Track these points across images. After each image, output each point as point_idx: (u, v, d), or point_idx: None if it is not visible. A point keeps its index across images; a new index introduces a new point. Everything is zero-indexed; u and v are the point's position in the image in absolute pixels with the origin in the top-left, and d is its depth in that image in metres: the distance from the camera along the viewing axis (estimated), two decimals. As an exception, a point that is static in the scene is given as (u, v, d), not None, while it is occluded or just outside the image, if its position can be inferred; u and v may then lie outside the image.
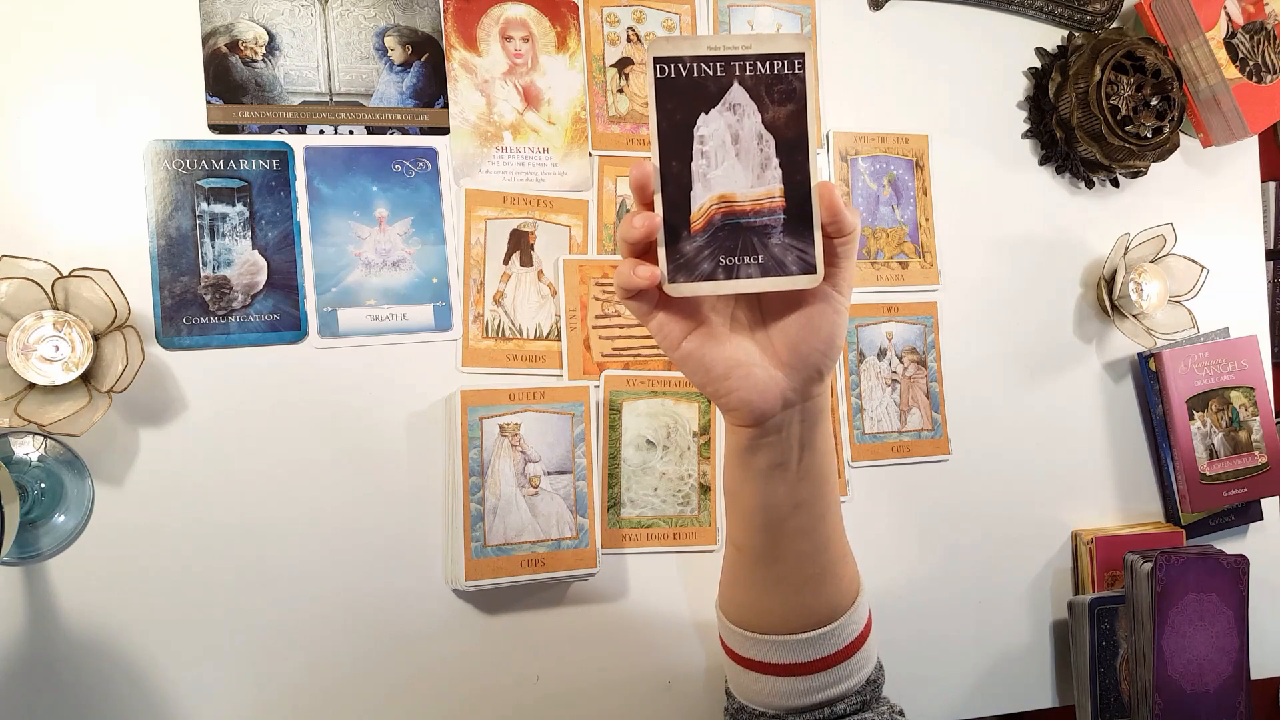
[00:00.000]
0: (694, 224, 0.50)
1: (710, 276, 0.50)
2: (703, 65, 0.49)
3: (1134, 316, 0.99)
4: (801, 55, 0.50)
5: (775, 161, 0.50)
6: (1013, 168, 1.00)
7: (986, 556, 0.95)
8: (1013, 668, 0.95)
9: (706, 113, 0.50)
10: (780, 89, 0.50)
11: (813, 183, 0.51)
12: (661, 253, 0.50)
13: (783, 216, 0.51)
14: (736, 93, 0.50)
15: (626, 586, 0.83)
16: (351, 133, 0.79)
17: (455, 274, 0.81)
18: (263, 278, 0.76)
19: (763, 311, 0.55)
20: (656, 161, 0.50)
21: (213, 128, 0.75)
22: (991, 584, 0.95)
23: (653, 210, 0.50)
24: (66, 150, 0.72)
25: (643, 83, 0.87)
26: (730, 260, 0.50)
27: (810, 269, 0.51)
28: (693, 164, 0.50)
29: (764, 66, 0.50)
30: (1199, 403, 1.00)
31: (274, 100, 0.77)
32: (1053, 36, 1.02)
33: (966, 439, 0.95)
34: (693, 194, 0.50)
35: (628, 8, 0.88)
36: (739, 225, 0.50)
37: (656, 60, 0.49)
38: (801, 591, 0.62)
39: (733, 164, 0.50)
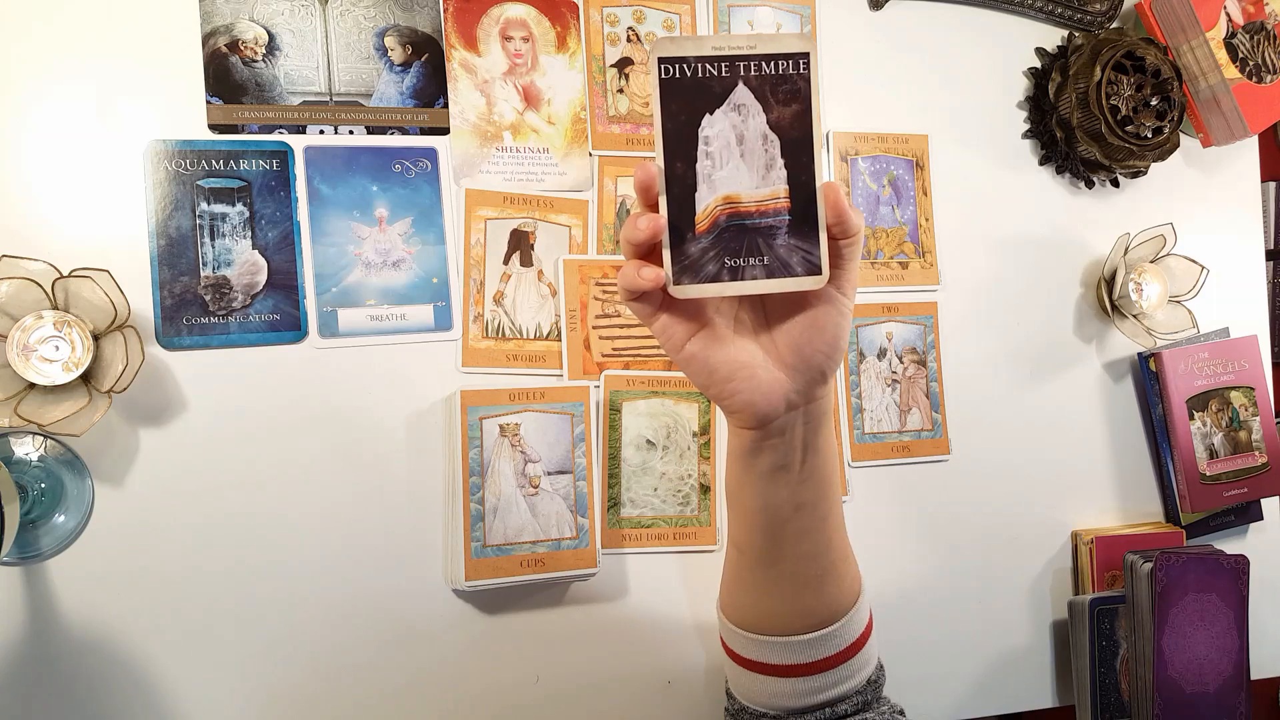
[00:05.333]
0: (699, 225, 0.50)
1: (715, 278, 0.50)
2: (707, 65, 0.49)
3: (1134, 316, 0.99)
4: (806, 55, 0.50)
5: (780, 162, 0.50)
6: (1013, 168, 1.00)
7: (986, 556, 0.95)
8: (1013, 668, 0.95)
9: (711, 113, 0.49)
10: (785, 89, 0.50)
11: (817, 183, 0.50)
12: (666, 254, 0.50)
13: (788, 217, 0.50)
14: (741, 93, 0.50)
15: (626, 586, 0.83)
16: (351, 133, 0.79)
17: (455, 274, 0.81)
18: (263, 278, 0.76)
19: (766, 313, 0.55)
20: (661, 162, 0.49)
21: (213, 128, 0.75)
22: (991, 584, 0.95)
23: (657, 211, 0.50)
24: (66, 150, 0.72)
25: (643, 83, 0.87)
26: (735, 261, 0.50)
27: (815, 270, 0.51)
28: (697, 165, 0.50)
29: (768, 66, 0.50)
30: (1199, 403, 1.00)
31: (274, 100, 0.77)
32: (1053, 36, 1.02)
33: (966, 439, 0.95)
34: (697, 195, 0.50)
35: (628, 8, 0.88)
36: (744, 226, 0.50)
37: (661, 61, 0.49)
38: (803, 593, 0.62)
39: (738, 165, 0.50)
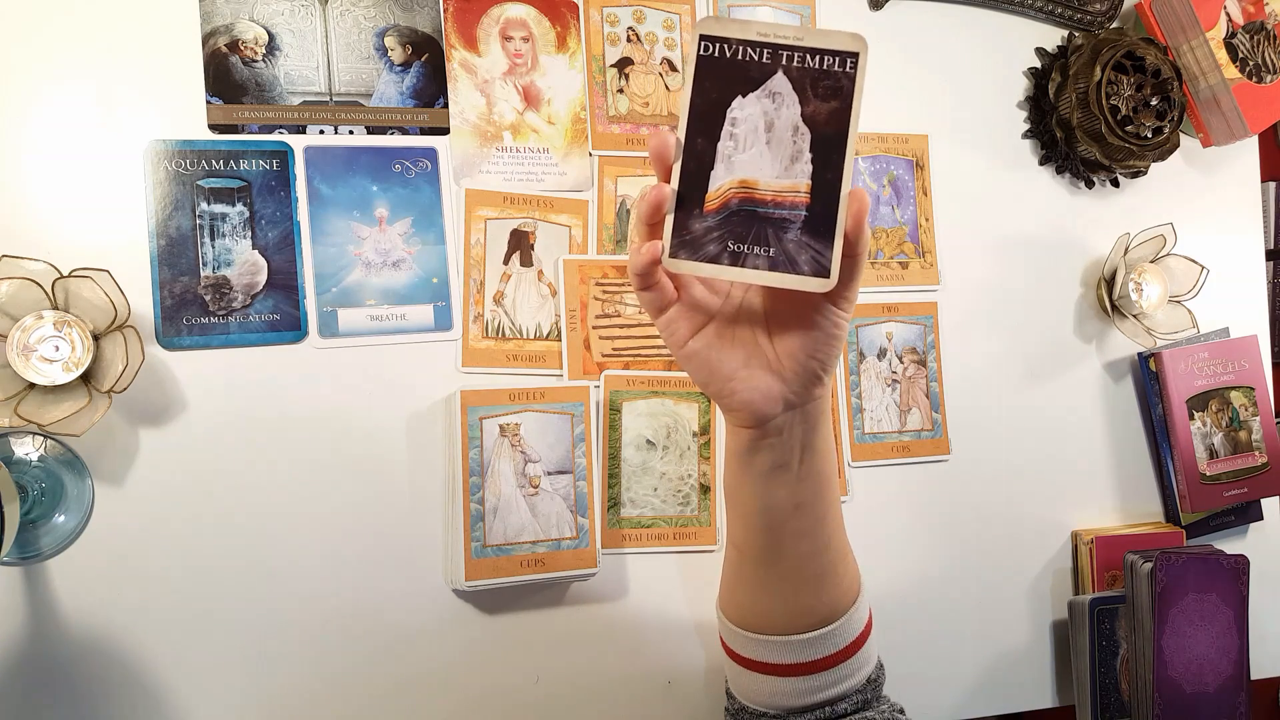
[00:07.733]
0: (709, 203, 0.49)
1: (714, 259, 0.49)
2: (749, 50, 0.48)
3: (1134, 316, 0.99)
4: (855, 55, 0.49)
5: (808, 156, 0.49)
6: (1013, 168, 1.00)
7: (986, 556, 0.95)
8: (1013, 668, 0.95)
9: (744, 96, 0.49)
10: (826, 84, 0.49)
11: (844, 185, 0.49)
12: (668, 224, 0.49)
13: (804, 213, 0.49)
14: (779, 81, 0.49)
15: (626, 586, 0.83)
16: (351, 133, 0.79)
17: (455, 274, 0.81)
18: (263, 278, 0.76)
19: (767, 315, 0.55)
20: (682, 135, 0.49)
21: (213, 128, 0.75)
22: (991, 584, 0.95)
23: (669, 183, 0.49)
24: (66, 150, 0.72)
25: (643, 83, 0.87)
26: (738, 247, 0.49)
27: (823, 272, 0.49)
28: (719, 144, 0.49)
29: (813, 60, 0.49)
30: (1199, 403, 1.00)
31: (274, 100, 0.77)
32: (1053, 36, 1.02)
33: (966, 439, 0.95)
34: (713, 173, 0.49)
35: (628, 8, 0.88)
36: (755, 214, 0.49)
37: (703, 37, 0.48)
38: (802, 592, 0.62)
39: (761, 150, 0.49)
